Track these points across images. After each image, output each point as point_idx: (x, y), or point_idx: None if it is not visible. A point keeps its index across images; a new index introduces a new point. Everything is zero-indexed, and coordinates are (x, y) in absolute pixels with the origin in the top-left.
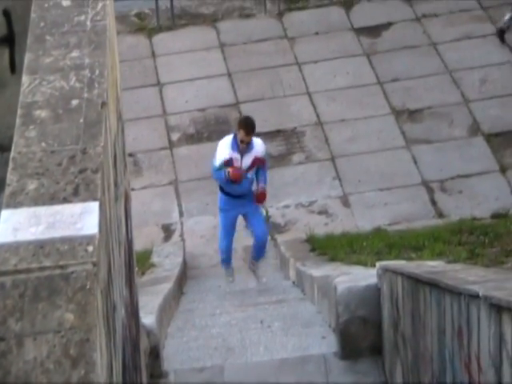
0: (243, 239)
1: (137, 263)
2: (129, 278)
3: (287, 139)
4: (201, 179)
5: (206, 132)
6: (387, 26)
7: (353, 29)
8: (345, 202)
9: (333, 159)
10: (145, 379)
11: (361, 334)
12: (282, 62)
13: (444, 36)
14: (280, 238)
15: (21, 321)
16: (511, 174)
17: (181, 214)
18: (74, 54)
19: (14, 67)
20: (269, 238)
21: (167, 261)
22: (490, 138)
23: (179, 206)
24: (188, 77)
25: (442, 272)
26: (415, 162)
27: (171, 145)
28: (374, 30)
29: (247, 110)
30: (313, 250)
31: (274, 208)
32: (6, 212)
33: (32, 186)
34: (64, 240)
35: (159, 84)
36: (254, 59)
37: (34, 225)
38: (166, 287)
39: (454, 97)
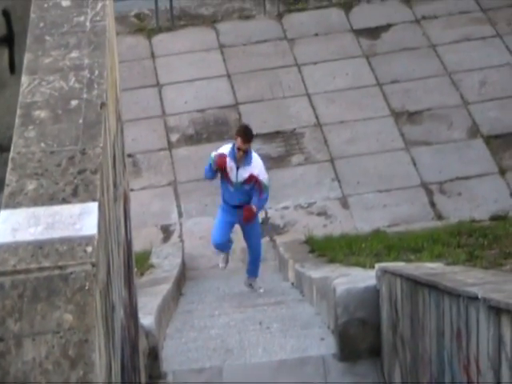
0: (242, 240)
1: (136, 264)
2: (128, 279)
3: (286, 140)
4: (200, 180)
5: (206, 133)
6: (387, 27)
7: (352, 30)
8: (344, 203)
9: (332, 161)
10: (143, 380)
11: (359, 336)
12: (281, 64)
13: (443, 38)
14: (279, 240)
15: (20, 321)
16: (510, 176)
17: (180, 214)
18: (74, 54)
19: (13, 67)
20: (262, 253)
21: (166, 262)
22: (489, 140)
23: (178, 206)
24: (187, 78)
25: (440, 274)
26: (414, 164)
27: (170, 146)
28: (373, 32)
29: (246, 111)
30: (312, 251)
31: (273, 209)
32: (5, 212)
33: (31, 186)
34: (63, 240)
35: (158, 85)
36: (253, 60)
37: (33, 225)
38: (165, 288)
39: (454, 99)
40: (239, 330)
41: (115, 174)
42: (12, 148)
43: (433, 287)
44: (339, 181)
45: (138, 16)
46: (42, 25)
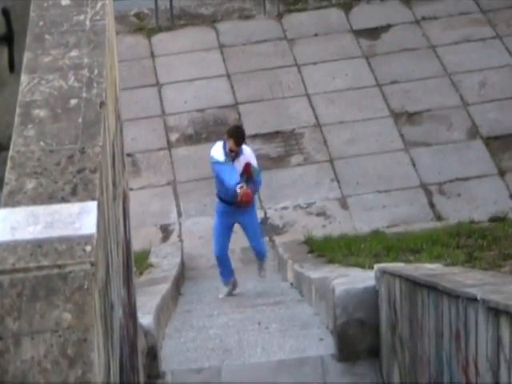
0: (242, 240)
1: (135, 263)
2: (127, 279)
3: (286, 141)
4: (199, 180)
5: (205, 133)
6: (386, 28)
7: (352, 31)
8: (343, 204)
9: (331, 161)
10: (142, 379)
11: (358, 336)
12: (281, 64)
13: (443, 39)
14: (278, 240)
15: (18, 320)
16: (510, 178)
17: (179, 214)
18: (73, 53)
19: (12, 66)
20: (267, 248)
21: (165, 261)
22: (488, 141)
23: (177, 206)
24: (187, 77)
25: (439, 275)
26: (414, 165)
27: (170, 145)
28: (373, 32)
29: (246, 111)
30: (311, 251)
31: (272, 209)
32: (4, 211)
33: (30, 185)
34: (62, 239)
35: (158, 84)
36: (253, 60)
37: (32, 224)
38: (164, 288)
39: (453, 100)
40: (238, 330)
41: (114, 173)
42: (11, 147)
43: (432, 288)
44: (338, 181)
45: (137, 15)
46: (41, 24)
